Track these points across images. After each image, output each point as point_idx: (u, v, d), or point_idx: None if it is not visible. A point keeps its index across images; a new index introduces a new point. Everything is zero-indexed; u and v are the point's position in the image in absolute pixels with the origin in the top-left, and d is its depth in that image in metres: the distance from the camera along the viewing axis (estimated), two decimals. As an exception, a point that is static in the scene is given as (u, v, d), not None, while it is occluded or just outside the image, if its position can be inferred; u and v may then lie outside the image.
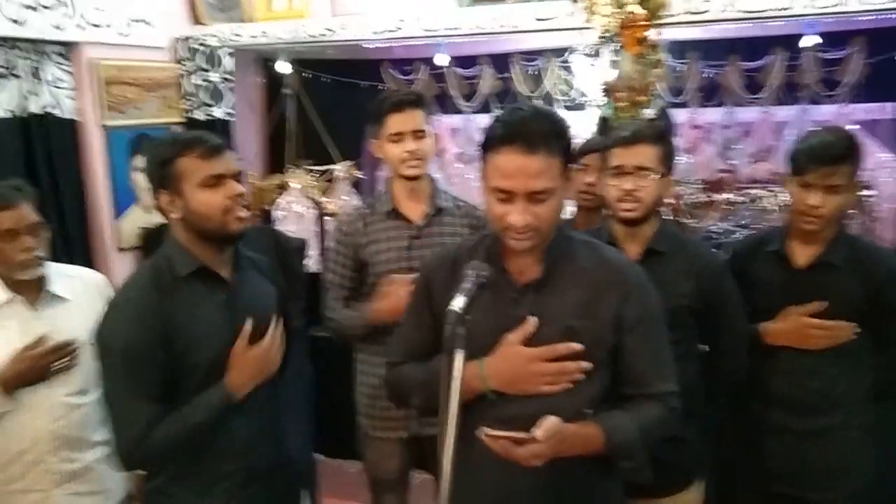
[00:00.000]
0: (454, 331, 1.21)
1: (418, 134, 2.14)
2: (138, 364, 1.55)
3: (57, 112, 2.87)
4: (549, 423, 1.32)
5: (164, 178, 1.61)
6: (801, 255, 1.95)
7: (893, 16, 2.70)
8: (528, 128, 1.35)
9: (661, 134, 1.89)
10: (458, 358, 1.20)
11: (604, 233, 1.90)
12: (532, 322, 1.43)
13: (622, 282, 1.47)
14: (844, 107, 3.29)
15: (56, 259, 2.04)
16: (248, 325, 1.64)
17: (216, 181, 1.60)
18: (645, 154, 1.83)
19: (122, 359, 1.55)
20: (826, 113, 3.30)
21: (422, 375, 1.54)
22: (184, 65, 3.38)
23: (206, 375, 1.61)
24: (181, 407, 1.59)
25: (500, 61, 3.64)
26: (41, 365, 1.86)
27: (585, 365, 1.41)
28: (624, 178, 1.83)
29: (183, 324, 1.60)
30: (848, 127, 3.04)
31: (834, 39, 3.20)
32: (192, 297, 1.63)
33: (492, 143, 1.39)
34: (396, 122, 2.13)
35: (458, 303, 1.24)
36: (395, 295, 2.04)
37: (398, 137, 2.14)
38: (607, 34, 2.84)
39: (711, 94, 3.45)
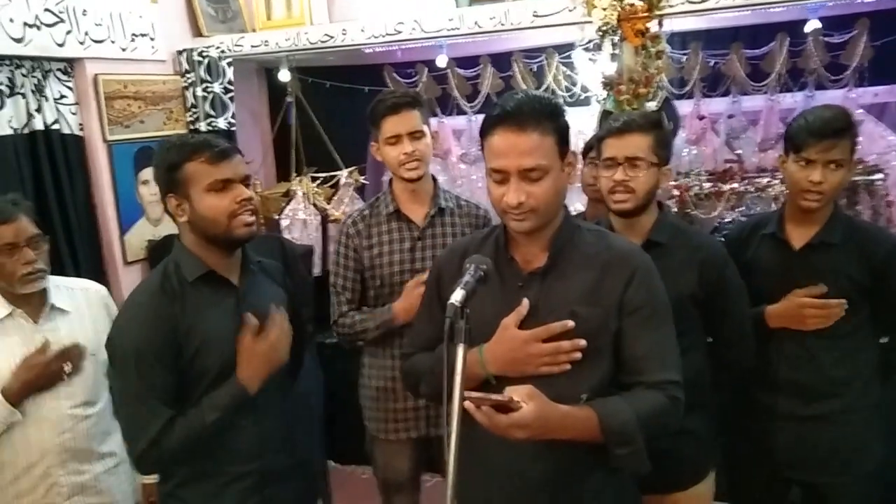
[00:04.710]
0: (453, 324, 1.20)
1: (415, 135, 2.12)
2: (150, 367, 1.56)
3: (61, 128, 2.88)
4: (526, 387, 1.28)
5: (172, 183, 1.63)
6: (799, 236, 1.93)
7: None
8: (518, 108, 1.37)
9: (653, 122, 1.87)
10: (460, 352, 1.18)
11: (604, 225, 1.87)
12: (525, 304, 1.42)
13: (626, 266, 1.45)
14: (851, 91, 3.25)
15: (64, 274, 2.04)
16: (252, 318, 1.64)
17: (223, 185, 1.61)
18: (636, 144, 1.81)
19: (134, 362, 1.56)
20: (832, 98, 3.24)
21: (428, 364, 1.56)
22: (186, 77, 3.41)
23: (215, 380, 1.61)
24: (192, 408, 1.58)
25: (501, 60, 3.62)
26: (50, 371, 1.86)
27: (581, 343, 1.39)
28: (615, 169, 1.82)
29: (192, 328, 1.60)
30: (856, 111, 3.01)
31: (837, 23, 3.15)
32: (201, 301, 1.64)
33: (487, 126, 1.42)
34: (392, 124, 2.11)
35: (456, 296, 1.23)
36: (416, 293, 2.02)
37: (395, 140, 2.12)
38: (607, 27, 2.83)
39: (715, 84, 3.41)
